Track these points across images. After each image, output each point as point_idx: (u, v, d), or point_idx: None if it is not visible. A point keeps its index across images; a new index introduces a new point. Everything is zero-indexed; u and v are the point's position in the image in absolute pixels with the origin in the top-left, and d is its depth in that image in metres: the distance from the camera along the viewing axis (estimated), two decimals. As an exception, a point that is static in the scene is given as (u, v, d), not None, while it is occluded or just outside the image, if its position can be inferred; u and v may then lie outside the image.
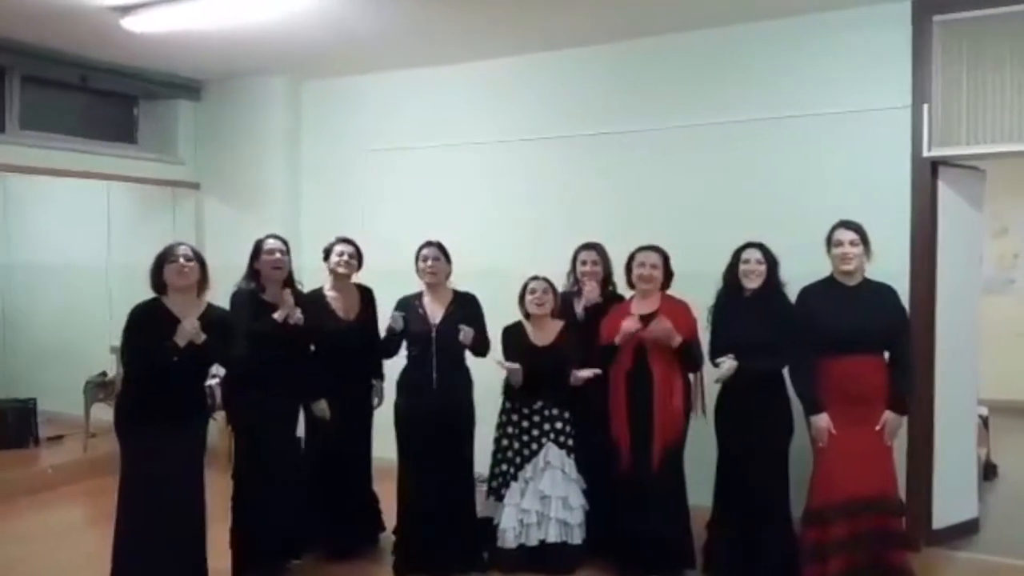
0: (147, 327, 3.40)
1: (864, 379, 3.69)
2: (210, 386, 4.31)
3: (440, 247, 4.24)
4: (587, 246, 4.34)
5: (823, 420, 3.73)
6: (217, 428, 4.25)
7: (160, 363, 3.37)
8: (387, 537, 4.38)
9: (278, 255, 4.00)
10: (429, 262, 4.19)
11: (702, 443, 4.04)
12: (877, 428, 3.71)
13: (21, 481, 5.59)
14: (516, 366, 4.03)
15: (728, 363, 3.81)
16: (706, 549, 4.02)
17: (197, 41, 5.22)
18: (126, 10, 4.58)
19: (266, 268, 3.99)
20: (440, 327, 4.10)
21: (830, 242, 3.82)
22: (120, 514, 3.47)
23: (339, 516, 4.31)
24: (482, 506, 4.23)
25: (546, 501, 4.01)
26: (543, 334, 4.14)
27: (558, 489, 4.02)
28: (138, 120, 6.47)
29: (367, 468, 4.48)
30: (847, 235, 3.76)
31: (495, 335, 4.21)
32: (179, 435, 3.49)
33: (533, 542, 4.02)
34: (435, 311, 4.16)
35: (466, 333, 4.04)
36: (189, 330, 3.35)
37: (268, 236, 4.08)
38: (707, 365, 4.03)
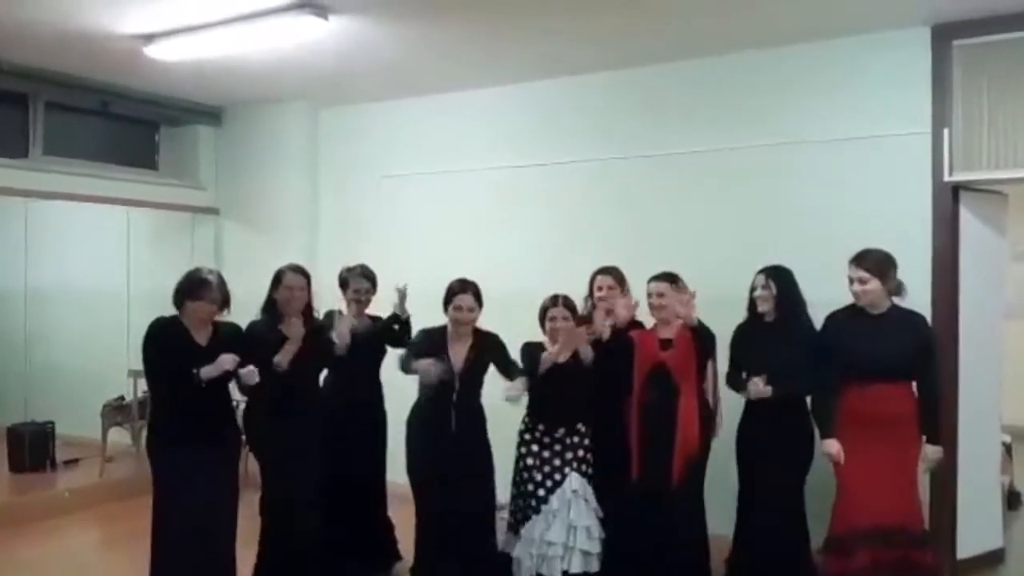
0: (162, 342, 3.48)
1: (889, 405, 3.63)
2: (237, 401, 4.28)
3: (476, 294, 4.05)
4: (604, 270, 4.31)
5: (831, 446, 3.68)
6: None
7: (184, 391, 3.45)
8: (402, 566, 4.34)
9: (297, 293, 3.94)
10: (464, 312, 4.01)
11: (725, 472, 4.01)
12: (919, 463, 3.68)
13: (38, 505, 5.59)
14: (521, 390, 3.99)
15: (758, 386, 3.77)
16: None
17: (218, 68, 5.28)
18: (149, 38, 4.65)
19: (283, 301, 3.95)
20: (463, 375, 4.01)
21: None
22: (155, 536, 3.54)
23: (352, 542, 4.27)
24: (502, 539, 4.15)
25: (571, 531, 3.94)
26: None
27: (583, 519, 3.95)
28: (159, 146, 6.55)
29: (382, 494, 4.46)
30: (856, 272, 3.69)
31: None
32: (212, 456, 3.55)
33: (557, 575, 3.93)
34: (457, 356, 4.02)
35: (512, 392, 3.96)
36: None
37: (289, 269, 3.99)
38: (722, 386, 4.05)
